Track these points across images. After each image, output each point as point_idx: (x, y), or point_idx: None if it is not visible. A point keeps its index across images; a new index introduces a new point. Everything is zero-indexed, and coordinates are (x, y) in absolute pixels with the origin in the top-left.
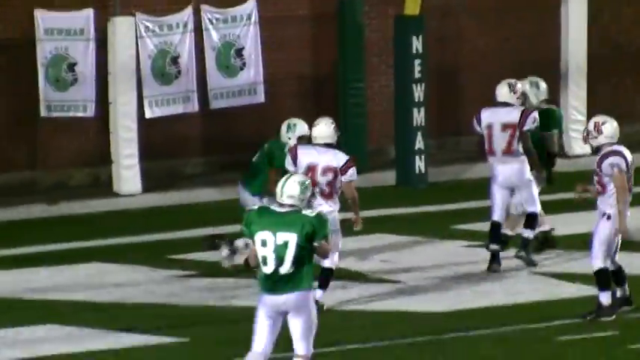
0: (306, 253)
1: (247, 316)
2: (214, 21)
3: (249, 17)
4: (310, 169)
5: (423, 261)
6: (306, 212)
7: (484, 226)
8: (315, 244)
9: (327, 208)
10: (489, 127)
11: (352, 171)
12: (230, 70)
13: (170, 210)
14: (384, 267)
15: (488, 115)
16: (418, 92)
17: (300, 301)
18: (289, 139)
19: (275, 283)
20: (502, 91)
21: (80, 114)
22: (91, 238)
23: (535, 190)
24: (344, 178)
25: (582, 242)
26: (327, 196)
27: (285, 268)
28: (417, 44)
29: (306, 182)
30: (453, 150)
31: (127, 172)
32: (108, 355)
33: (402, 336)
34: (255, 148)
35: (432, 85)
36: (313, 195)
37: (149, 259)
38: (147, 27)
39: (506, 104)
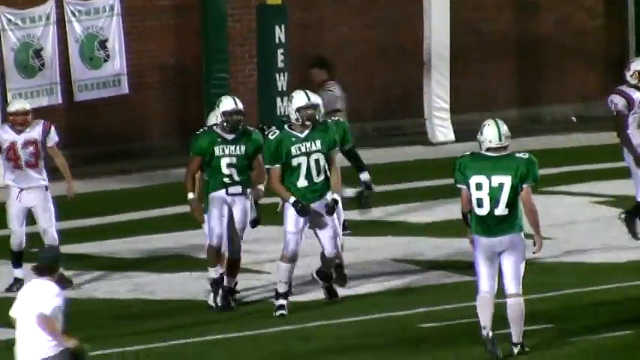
0: (517, 195)
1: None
2: (77, 13)
3: (111, 8)
4: None
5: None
6: (519, 155)
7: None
8: (525, 185)
9: None
10: None
11: None
12: (94, 61)
13: None
14: (249, 257)
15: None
16: (281, 81)
17: (514, 243)
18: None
19: (490, 226)
20: None
21: None
22: None
23: None
24: None
25: None
26: None
27: (500, 210)
28: (279, 33)
29: None
30: None
31: None
32: None
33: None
34: (120, 139)
35: (295, 74)
36: None
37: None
38: (9, 20)
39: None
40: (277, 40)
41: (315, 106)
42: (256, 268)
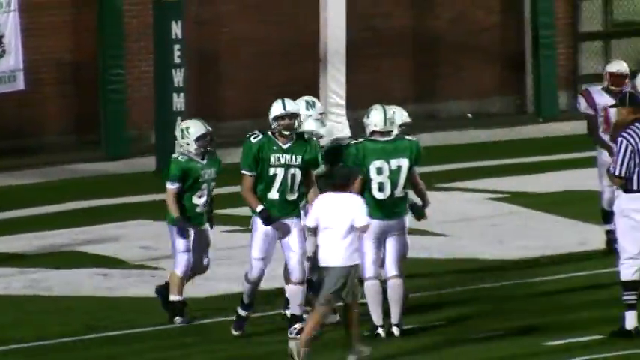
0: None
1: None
2: None
3: (8, 4)
4: None
5: None
6: (407, 137)
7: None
8: (416, 168)
9: None
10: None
11: None
12: None
13: None
14: (145, 254)
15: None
16: (178, 77)
17: (403, 225)
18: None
19: (388, 209)
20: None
21: None
22: None
23: None
24: None
25: None
26: None
27: (398, 192)
28: (176, 29)
29: None
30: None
31: None
32: None
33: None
34: (15, 135)
35: (192, 70)
36: None
37: None
38: None
39: None
40: (174, 36)
41: (294, 115)
42: (152, 265)
